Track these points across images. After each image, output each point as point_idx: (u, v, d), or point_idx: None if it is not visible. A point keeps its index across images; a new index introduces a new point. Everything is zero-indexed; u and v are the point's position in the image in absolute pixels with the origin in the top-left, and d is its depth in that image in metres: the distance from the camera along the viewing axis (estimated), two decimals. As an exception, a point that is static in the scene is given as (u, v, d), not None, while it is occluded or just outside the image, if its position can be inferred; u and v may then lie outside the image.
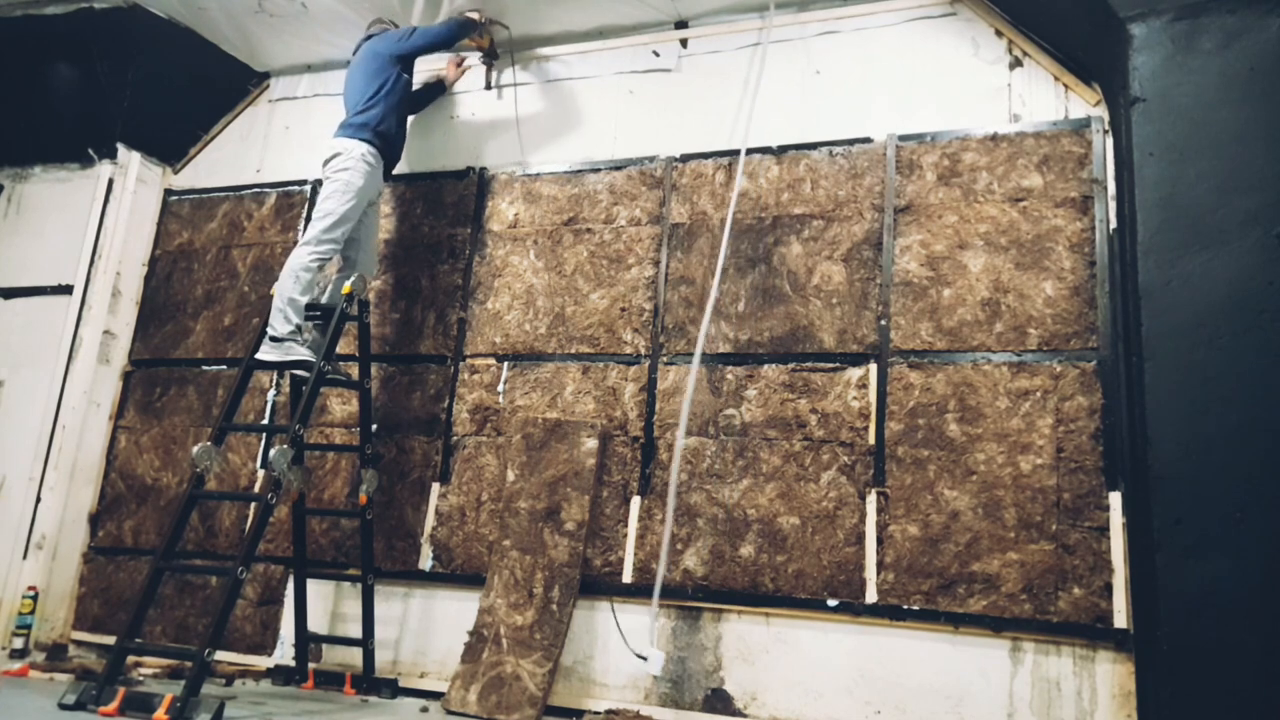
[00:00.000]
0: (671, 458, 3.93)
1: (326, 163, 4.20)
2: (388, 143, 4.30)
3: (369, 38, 4.49)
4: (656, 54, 4.57)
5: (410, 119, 4.86)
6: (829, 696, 3.52)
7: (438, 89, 4.89)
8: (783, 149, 4.16)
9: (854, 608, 3.55)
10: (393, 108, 4.33)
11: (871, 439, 3.69)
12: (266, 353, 3.95)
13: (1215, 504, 2.88)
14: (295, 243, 4.75)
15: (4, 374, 5.13)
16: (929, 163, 3.90)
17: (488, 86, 4.88)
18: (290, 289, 3.97)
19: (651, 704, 3.73)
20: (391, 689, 3.99)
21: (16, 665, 4.21)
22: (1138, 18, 3.28)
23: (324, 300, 4.19)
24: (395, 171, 4.85)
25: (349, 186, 4.11)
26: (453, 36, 4.51)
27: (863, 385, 3.76)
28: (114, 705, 3.22)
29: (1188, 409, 2.97)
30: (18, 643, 4.51)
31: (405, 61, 4.44)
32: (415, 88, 4.65)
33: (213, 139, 5.47)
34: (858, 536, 3.61)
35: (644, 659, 3.70)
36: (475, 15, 4.56)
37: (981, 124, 3.88)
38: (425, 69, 4.80)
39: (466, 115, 4.90)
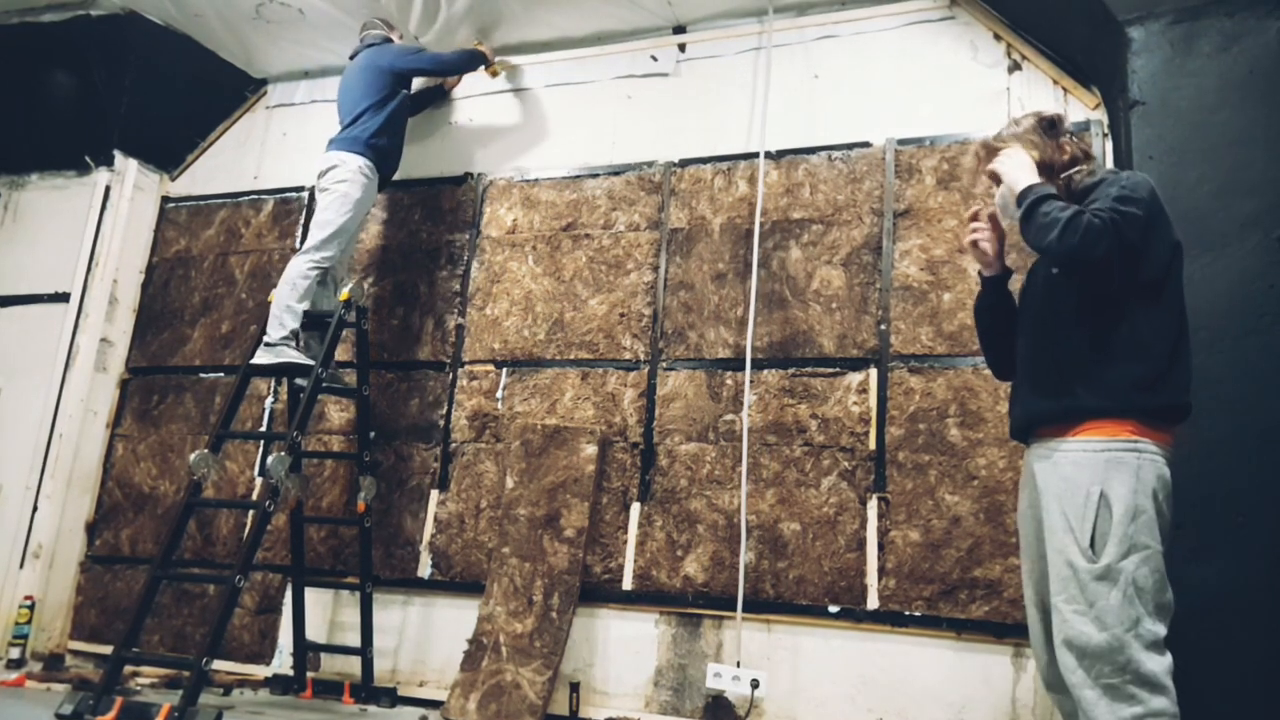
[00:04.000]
0: (671, 463, 3.93)
1: (323, 174, 4.19)
2: (383, 156, 4.29)
3: (368, 46, 4.47)
4: (654, 59, 4.57)
5: (409, 120, 4.85)
6: (831, 704, 3.50)
7: (437, 92, 4.88)
8: (781, 153, 4.16)
9: (855, 614, 3.53)
10: (389, 121, 4.30)
11: (872, 444, 3.67)
12: (260, 356, 3.96)
13: (1217, 508, 2.86)
14: (293, 250, 4.76)
15: (1, 382, 5.11)
16: (928, 167, 3.90)
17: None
18: (288, 296, 3.97)
19: (652, 712, 3.70)
20: (390, 698, 3.97)
21: (13, 675, 4.18)
22: (1136, 21, 3.27)
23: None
24: (393, 177, 4.84)
25: (347, 199, 4.11)
26: (460, 67, 4.62)
27: (863, 390, 3.75)
28: (111, 715, 3.20)
29: (1189, 412, 2.96)
30: (14, 653, 4.48)
31: (405, 77, 4.43)
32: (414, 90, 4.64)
33: (210, 146, 5.46)
34: (859, 542, 3.60)
35: (756, 684, 3.50)
36: (485, 49, 4.62)
37: (981, 127, 3.87)
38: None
39: (464, 120, 4.89)
